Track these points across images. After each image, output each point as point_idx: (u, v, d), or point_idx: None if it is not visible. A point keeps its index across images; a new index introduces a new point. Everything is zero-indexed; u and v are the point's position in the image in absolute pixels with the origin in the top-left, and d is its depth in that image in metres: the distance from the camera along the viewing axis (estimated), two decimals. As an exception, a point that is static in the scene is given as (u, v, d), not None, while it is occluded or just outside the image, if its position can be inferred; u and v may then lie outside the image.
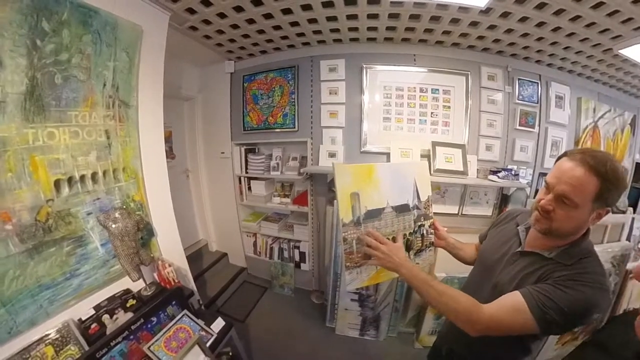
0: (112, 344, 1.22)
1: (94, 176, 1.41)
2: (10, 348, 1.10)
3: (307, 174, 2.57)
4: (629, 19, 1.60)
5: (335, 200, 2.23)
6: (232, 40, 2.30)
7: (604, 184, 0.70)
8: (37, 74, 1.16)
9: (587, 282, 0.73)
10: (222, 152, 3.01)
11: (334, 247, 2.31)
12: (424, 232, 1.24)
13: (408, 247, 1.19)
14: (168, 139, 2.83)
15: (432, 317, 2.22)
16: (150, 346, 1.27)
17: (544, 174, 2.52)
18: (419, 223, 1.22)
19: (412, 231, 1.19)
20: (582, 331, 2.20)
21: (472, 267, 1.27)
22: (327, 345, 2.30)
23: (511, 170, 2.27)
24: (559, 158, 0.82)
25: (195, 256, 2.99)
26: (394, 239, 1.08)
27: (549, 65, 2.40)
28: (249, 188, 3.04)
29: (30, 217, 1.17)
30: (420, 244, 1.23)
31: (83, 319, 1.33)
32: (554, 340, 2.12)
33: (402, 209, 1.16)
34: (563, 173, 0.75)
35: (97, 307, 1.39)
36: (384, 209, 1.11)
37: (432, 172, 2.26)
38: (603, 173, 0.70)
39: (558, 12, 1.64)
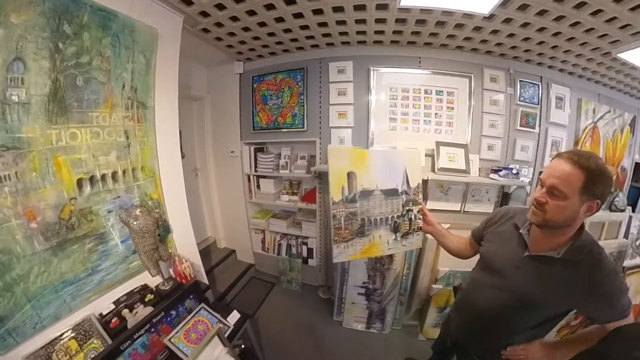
0: (135, 336, 1.27)
1: (114, 175, 1.45)
2: (36, 342, 1.13)
3: (315, 172, 2.63)
4: (627, 25, 1.66)
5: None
6: (242, 42, 2.34)
7: (588, 176, 0.79)
8: (60, 76, 1.19)
9: (611, 275, 0.87)
10: (232, 151, 3.06)
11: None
12: (412, 216, 1.33)
13: (395, 229, 1.29)
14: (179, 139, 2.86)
15: (435, 310, 2.29)
16: (170, 338, 1.32)
17: (544, 173, 2.59)
18: (407, 207, 1.31)
19: (400, 214, 1.29)
20: (580, 325, 2.28)
21: (458, 258, 1.36)
22: (334, 338, 2.36)
23: (512, 169, 2.33)
24: (552, 159, 0.91)
25: (204, 253, 2.97)
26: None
27: (550, 67, 2.47)
28: (258, 186, 3.10)
29: (54, 215, 1.21)
30: (408, 228, 1.32)
31: (104, 313, 1.36)
32: (553, 334, 2.20)
33: (390, 193, 1.26)
34: (553, 169, 0.86)
35: (116, 302, 1.43)
36: (373, 191, 1.22)
37: (436, 170, 2.32)
38: (586, 167, 0.79)
39: (558, 18, 1.70)
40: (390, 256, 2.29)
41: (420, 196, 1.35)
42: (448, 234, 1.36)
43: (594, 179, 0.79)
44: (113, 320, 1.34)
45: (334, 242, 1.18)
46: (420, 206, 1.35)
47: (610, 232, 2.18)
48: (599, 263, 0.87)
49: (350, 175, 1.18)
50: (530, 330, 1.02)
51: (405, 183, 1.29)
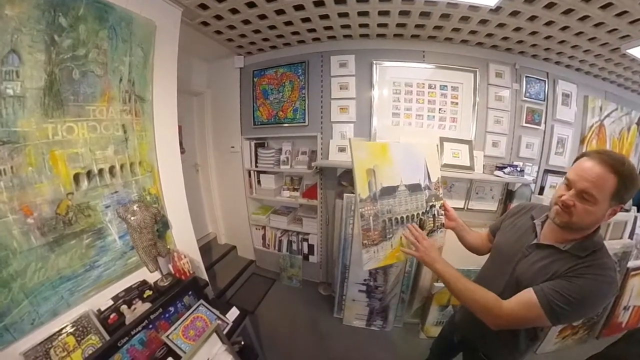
0: (132, 333, 1.26)
1: (111, 170, 1.43)
2: (33, 338, 1.13)
3: (317, 168, 2.60)
4: (637, 20, 1.61)
5: (344, 194, 2.30)
6: (242, 36, 2.31)
7: (621, 181, 0.75)
8: (56, 69, 1.17)
9: (595, 273, 0.80)
10: (232, 147, 3.03)
11: (343, 239, 2.35)
12: (435, 212, 1.27)
13: (421, 227, 1.21)
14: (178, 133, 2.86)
15: (437, 308, 2.27)
16: (168, 335, 1.31)
17: (549, 171, 2.55)
18: (430, 203, 1.25)
19: (424, 211, 1.22)
20: (582, 325, 2.26)
21: (474, 254, 1.32)
22: (335, 335, 2.36)
23: (517, 166, 2.30)
24: (578, 158, 0.87)
25: (204, 249, 3.02)
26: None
27: (557, 63, 2.41)
28: (259, 182, 3.07)
29: (50, 211, 1.19)
30: (432, 225, 1.26)
31: (102, 309, 1.36)
32: (554, 334, 2.18)
33: (414, 188, 1.19)
34: (584, 171, 0.80)
35: (115, 298, 1.42)
36: (397, 186, 1.14)
37: (439, 167, 2.29)
38: (621, 171, 0.75)
39: (567, 12, 1.66)
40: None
41: (441, 191, 1.30)
42: (469, 228, 1.35)
43: (627, 185, 0.76)
44: (111, 317, 1.34)
45: (364, 246, 1.06)
46: (442, 201, 1.31)
47: (615, 232, 2.15)
48: (598, 264, 0.82)
49: (375, 170, 1.09)
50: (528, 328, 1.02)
51: (426, 177, 1.24)
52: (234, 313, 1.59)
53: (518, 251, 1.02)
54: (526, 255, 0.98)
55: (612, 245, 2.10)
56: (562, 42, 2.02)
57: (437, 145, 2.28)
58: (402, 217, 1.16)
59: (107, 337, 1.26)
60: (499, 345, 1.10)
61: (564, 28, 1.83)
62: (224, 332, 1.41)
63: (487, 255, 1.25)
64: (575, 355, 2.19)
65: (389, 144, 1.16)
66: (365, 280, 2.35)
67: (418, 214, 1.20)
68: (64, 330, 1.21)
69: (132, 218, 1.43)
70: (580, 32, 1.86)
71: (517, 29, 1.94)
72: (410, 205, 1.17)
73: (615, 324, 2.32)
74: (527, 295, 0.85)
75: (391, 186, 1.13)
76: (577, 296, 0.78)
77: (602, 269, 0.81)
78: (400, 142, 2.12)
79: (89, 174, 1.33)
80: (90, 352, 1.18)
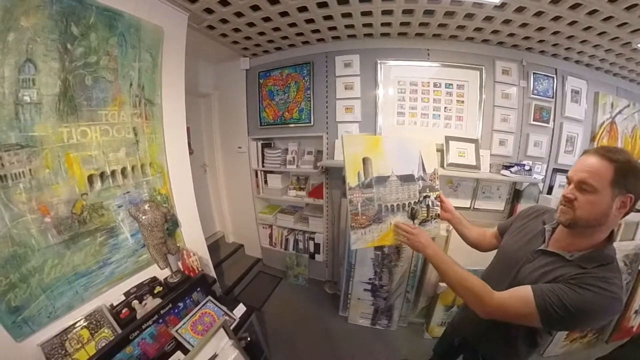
0: (143, 327, 1.31)
1: (123, 171, 1.48)
2: (50, 331, 1.19)
3: (322, 167, 2.62)
4: (649, 13, 1.57)
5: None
6: (247, 38, 2.34)
7: (617, 168, 0.75)
8: (69, 76, 1.23)
9: (600, 287, 0.76)
10: (239, 147, 3.09)
11: (348, 238, 2.36)
12: (430, 203, 1.29)
13: (413, 216, 1.26)
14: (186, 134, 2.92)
15: (442, 308, 2.26)
16: (178, 329, 1.36)
17: (558, 170, 2.50)
18: (424, 194, 1.28)
19: (416, 200, 1.26)
20: (591, 330, 2.21)
21: (475, 249, 1.31)
22: (340, 334, 2.38)
23: (524, 165, 2.26)
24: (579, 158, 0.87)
25: (212, 247, 3.07)
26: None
27: (566, 59, 2.36)
28: (265, 181, 3.11)
29: (66, 210, 1.25)
30: (426, 215, 1.28)
31: (115, 304, 1.41)
32: (562, 337, 2.14)
33: (406, 179, 1.24)
34: (581, 164, 0.83)
35: (127, 294, 1.47)
36: (389, 177, 1.20)
37: (445, 166, 2.28)
38: (615, 159, 0.76)
39: (574, 6, 1.62)
40: (398, 252, 2.27)
41: (437, 182, 1.32)
42: (466, 222, 1.33)
43: (625, 172, 0.75)
44: (123, 311, 1.39)
45: (351, 228, 1.15)
46: (438, 192, 1.32)
47: (626, 233, 2.09)
48: (604, 278, 0.78)
49: (365, 161, 1.16)
50: (527, 330, 0.99)
51: (421, 169, 1.27)
52: (240, 309, 1.63)
53: (524, 255, 0.99)
54: (531, 260, 0.96)
55: (624, 247, 2.04)
56: (570, 37, 1.98)
57: (442, 143, 2.30)
58: (392, 205, 1.22)
59: (119, 331, 1.32)
60: (498, 348, 1.08)
61: (572, 23, 1.79)
62: (231, 327, 1.44)
63: (493, 256, 1.23)
64: (583, 359, 2.16)
65: (382, 138, 1.23)
66: (370, 279, 2.36)
67: (410, 203, 1.24)
68: (78, 324, 1.27)
69: (144, 217, 1.49)
70: (589, 27, 1.81)
71: (524, 25, 1.91)
72: (402, 194, 1.23)
73: (625, 328, 2.26)
74: (524, 290, 0.83)
75: (382, 176, 1.19)
76: (576, 306, 0.75)
77: (608, 283, 0.77)
78: (394, 136, 2.11)
79: (102, 175, 1.39)
80: (103, 344, 1.24)
